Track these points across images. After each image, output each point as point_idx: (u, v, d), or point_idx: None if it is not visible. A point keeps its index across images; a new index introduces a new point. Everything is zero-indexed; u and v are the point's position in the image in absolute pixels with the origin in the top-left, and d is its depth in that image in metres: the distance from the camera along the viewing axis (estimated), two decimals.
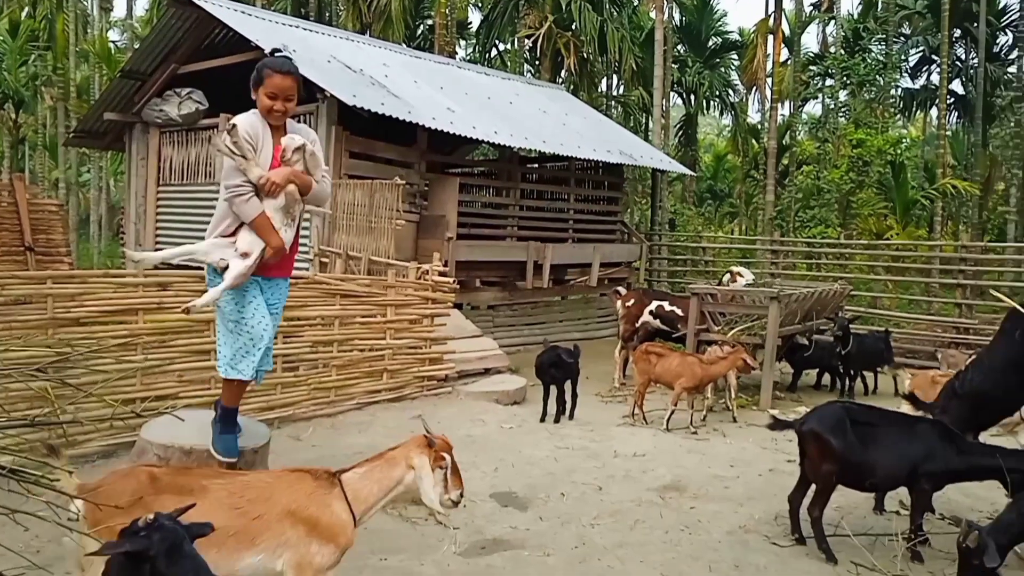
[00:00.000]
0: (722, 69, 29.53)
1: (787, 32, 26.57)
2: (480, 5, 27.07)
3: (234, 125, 3.89)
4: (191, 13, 12.38)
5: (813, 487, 4.71)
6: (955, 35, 24.72)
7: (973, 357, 6.79)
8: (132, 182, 14.34)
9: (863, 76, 20.09)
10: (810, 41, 33.25)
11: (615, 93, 28.09)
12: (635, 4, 26.64)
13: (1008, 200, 22.53)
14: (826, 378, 10.67)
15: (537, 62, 23.89)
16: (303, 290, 7.18)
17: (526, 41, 22.66)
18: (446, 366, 8.73)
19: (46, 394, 4.38)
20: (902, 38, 26.78)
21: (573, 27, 21.64)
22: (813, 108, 31.28)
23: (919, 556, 4.50)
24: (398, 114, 10.68)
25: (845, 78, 20.80)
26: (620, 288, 12.26)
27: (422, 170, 12.43)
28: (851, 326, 10.00)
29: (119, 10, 34.40)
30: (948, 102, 23.48)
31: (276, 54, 4.06)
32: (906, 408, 5.57)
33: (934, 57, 26.18)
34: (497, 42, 26.31)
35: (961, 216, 24.69)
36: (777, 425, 5.02)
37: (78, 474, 2.91)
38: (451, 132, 11.46)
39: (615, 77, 27.36)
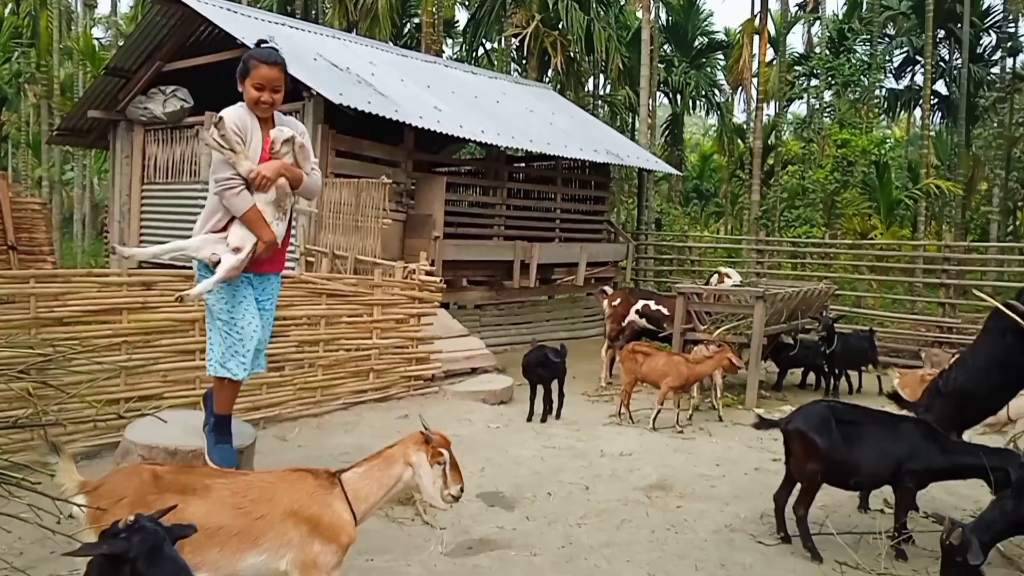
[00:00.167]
0: (708, 69, 29.61)
1: (773, 32, 26.66)
2: (467, 4, 27.03)
3: (221, 118, 3.84)
4: (176, 10, 12.31)
5: (798, 486, 4.73)
6: (939, 36, 24.90)
7: (957, 356, 6.85)
8: (116, 180, 14.23)
9: (848, 76, 20.22)
10: (795, 41, 33.53)
11: (602, 92, 28.13)
12: (621, 4, 26.67)
13: (991, 200, 22.72)
14: (811, 377, 10.72)
15: (524, 61, 23.89)
16: (289, 289, 7.15)
17: (513, 40, 22.66)
18: (433, 366, 8.72)
19: (28, 396, 4.34)
20: (886, 39, 26.97)
21: (560, 26, 21.65)
22: (798, 108, 31.45)
23: (903, 554, 4.53)
24: (385, 112, 10.66)
25: (830, 78, 20.92)
26: (607, 287, 12.29)
27: (409, 169, 12.40)
28: (835, 325, 10.06)
29: (103, 7, 34.20)
30: (932, 102, 23.65)
31: (262, 45, 4.03)
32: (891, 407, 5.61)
33: (918, 58, 26.34)
34: (484, 41, 26.28)
35: (944, 216, 24.89)
36: (763, 424, 5.04)
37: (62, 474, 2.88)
38: (438, 131, 11.44)
39: (602, 76, 27.40)
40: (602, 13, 22.81)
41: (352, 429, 6.95)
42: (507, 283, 13.28)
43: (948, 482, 5.02)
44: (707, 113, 33.44)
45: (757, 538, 4.85)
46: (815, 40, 28.60)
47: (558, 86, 22.04)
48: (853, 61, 20.80)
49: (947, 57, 26.90)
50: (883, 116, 28.85)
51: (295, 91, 9.91)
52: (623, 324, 10.64)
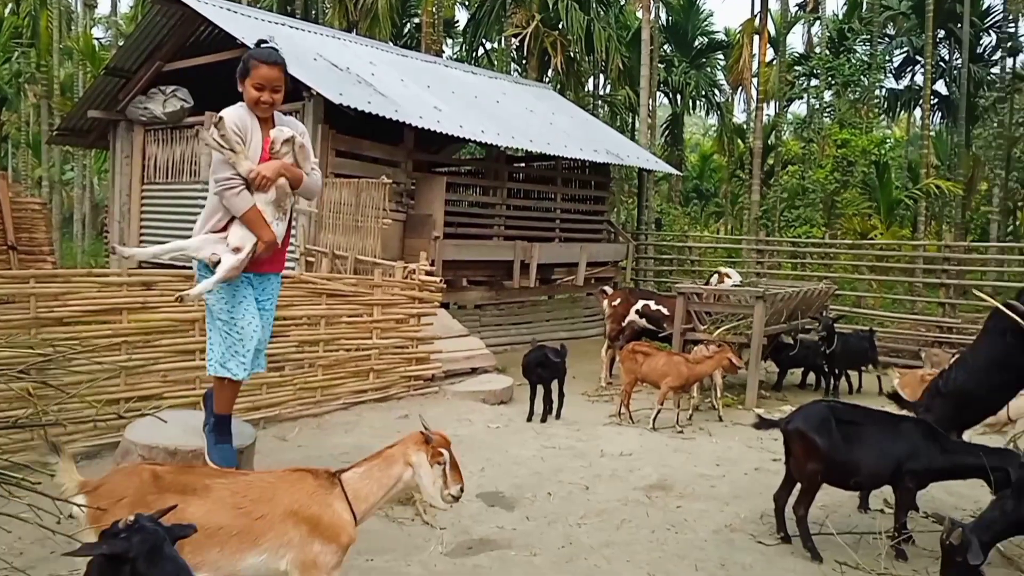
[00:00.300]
0: (708, 69, 29.61)
1: (772, 32, 26.66)
2: (467, 4, 27.03)
3: (221, 118, 3.84)
4: (176, 10, 12.30)
5: (798, 486, 4.73)
6: (939, 36, 24.90)
7: (957, 356, 6.85)
8: (116, 180, 14.23)
9: (848, 76, 20.22)
10: (795, 41, 33.54)
11: (602, 92, 28.13)
12: (621, 4, 26.68)
13: (991, 200, 22.72)
14: (811, 377, 10.72)
15: (524, 61, 23.89)
16: (289, 289, 7.15)
17: (513, 40, 22.66)
18: (433, 366, 8.72)
19: (28, 396, 4.34)
20: (886, 39, 26.97)
21: (560, 26, 21.65)
22: (798, 108, 31.46)
23: (903, 554, 4.53)
24: (385, 112, 10.66)
25: (830, 78, 20.92)
26: (606, 287, 12.29)
27: (409, 169, 12.40)
28: (835, 325, 10.06)
29: (103, 7, 34.20)
30: (932, 102, 23.65)
31: (262, 45, 4.03)
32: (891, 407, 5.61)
33: (918, 58, 26.34)
34: (484, 41, 26.28)
35: (944, 216, 24.89)
36: (763, 424, 5.04)
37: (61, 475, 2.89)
38: (438, 131, 11.44)
39: (602, 76, 27.40)
40: (602, 13, 22.81)
41: (352, 429, 6.95)
42: (507, 283, 13.28)
43: (948, 482, 5.02)
44: (707, 113, 33.46)
45: (757, 538, 4.85)
46: (815, 40, 28.62)
47: (558, 86, 22.05)
48: (853, 61, 20.81)
49: (947, 57, 26.90)
50: (883, 116, 28.86)
51: (295, 91, 9.91)
52: (623, 324, 10.63)
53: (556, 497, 5.49)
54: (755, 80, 26.38)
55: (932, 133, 24.94)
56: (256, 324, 4.05)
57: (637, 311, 10.60)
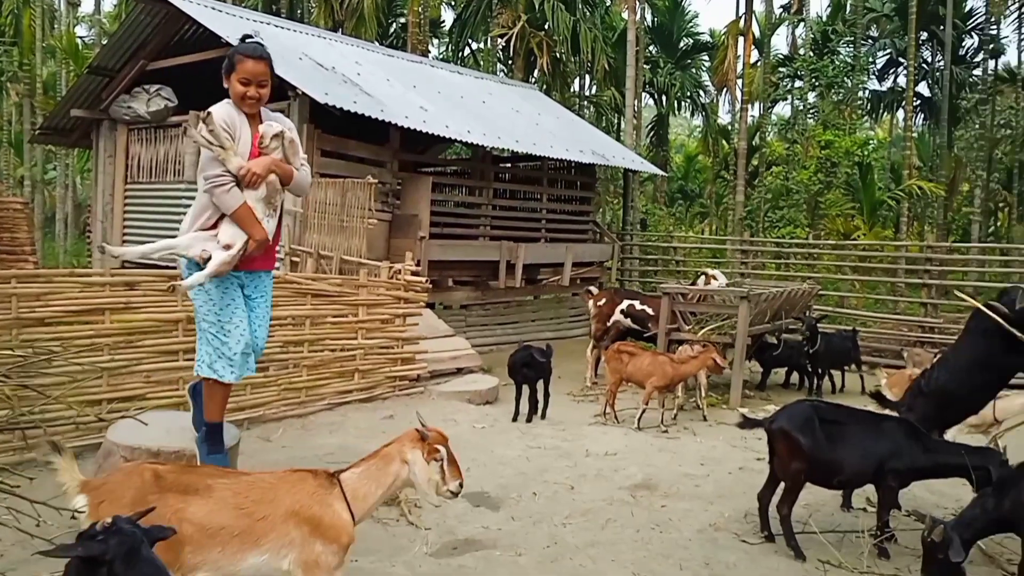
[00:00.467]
0: (693, 70, 29.73)
1: (757, 34, 26.78)
2: (453, 4, 27.01)
3: (209, 114, 3.80)
4: (160, 9, 12.22)
5: (782, 485, 4.76)
6: (922, 38, 25.12)
7: (939, 356, 6.91)
8: (99, 180, 14.12)
9: (831, 78, 20.35)
10: (780, 43, 33.70)
11: (587, 93, 28.18)
12: (607, 4, 26.74)
13: (972, 201, 22.91)
14: (795, 377, 10.78)
15: (510, 61, 23.90)
16: (274, 289, 7.07)
17: (499, 40, 22.65)
18: (418, 366, 8.70)
19: (6, 398, 4.31)
20: (870, 40, 27.17)
21: (546, 27, 21.67)
22: (782, 109, 31.60)
23: (886, 553, 4.56)
24: (371, 112, 10.63)
25: (814, 80, 21.05)
26: (592, 287, 12.31)
27: (394, 169, 12.38)
28: (819, 325, 10.13)
29: (87, 5, 34.04)
30: (914, 104, 23.84)
31: (247, 40, 4.00)
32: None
33: (901, 59, 26.60)
34: (470, 41, 26.28)
35: (926, 217, 25.09)
36: (747, 423, 5.06)
37: (43, 478, 2.87)
38: (424, 131, 11.43)
39: (587, 77, 27.44)
40: (588, 14, 22.85)
41: (337, 430, 6.93)
42: (493, 283, 13.28)
43: (930, 481, 5.06)
44: (692, 114, 33.58)
45: (741, 537, 4.87)
46: (799, 42, 28.77)
47: (544, 87, 22.07)
48: (837, 63, 20.94)
49: (930, 59, 27.14)
50: (866, 117, 29.06)
51: (280, 90, 9.87)
52: (608, 324, 10.66)
53: (541, 497, 5.49)
54: (740, 81, 26.52)
55: (915, 134, 25.16)
56: (244, 327, 4.02)
57: (622, 311, 10.63)
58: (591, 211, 16.84)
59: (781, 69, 25.66)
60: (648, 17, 28.04)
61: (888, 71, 29.17)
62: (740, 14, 25.35)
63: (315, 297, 7.59)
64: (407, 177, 12.61)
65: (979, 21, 25.96)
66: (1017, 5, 23.97)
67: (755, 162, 25.55)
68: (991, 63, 25.86)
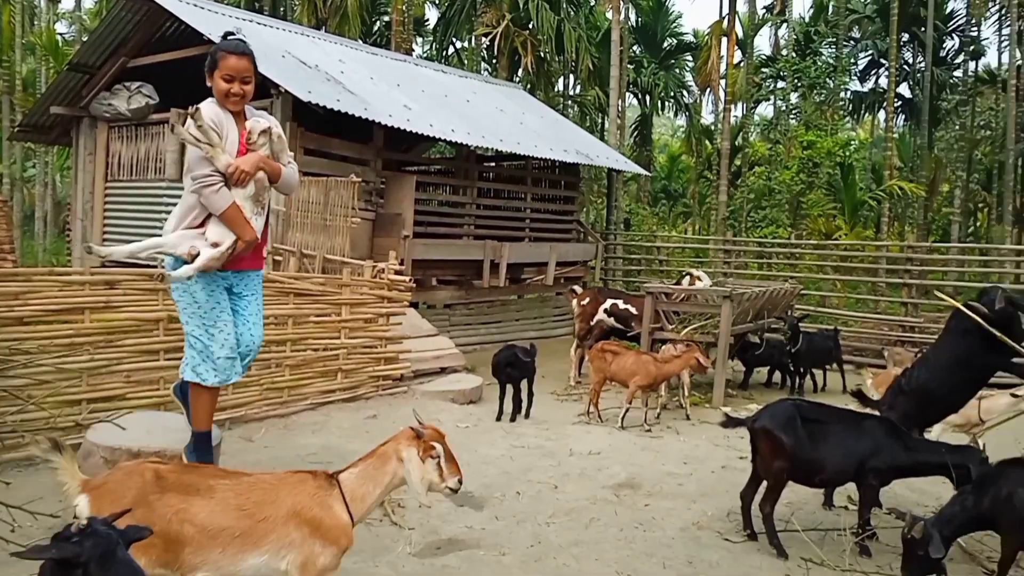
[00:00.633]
0: (677, 70, 29.84)
1: (740, 34, 26.94)
2: (437, 2, 26.97)
3: (198, 109, 3.75)
4: (141, 5, 12.11)
5: (764, 483, 4.78)
6: (903, 39, 25.31)
7: (920, 355, 6.96)
8: (79, 178, 13.99)
9: (814, 79, 20.49)
10: (763, 44, 33.89)
11: (572, 93, 28.22)
12: (592, 4, 26.77)
13: (952, 202, 23.15)
14: (777, 376, 10.85)
15: (494, 60, 23.88)
16: None
17: (483, 39, 22.63)
18: (402, 365, 8.68)
19: None
20: (852, 42, 27.34)
21: (530, 26, 21.67)
22: (765, 110, 31.76)
23: (867, 550, 4.59)
24: (354, 111, 10.59)
25: (796, 80, 21.19)
26: (576, 287, 12.32)
27: (378, 168, 12.34)
28: (801, 325, 10.19)
29: (67, 2, 33.63)
30: (895, 105, 24.06)
31: (229, 37, 3.96)
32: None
33: (882, 61, 26.79)
34: (454, 40, 26.24)
35: (907, 217, 25.30)
36: (729, 423, 5.08)
37: (20, 481, 2.84)
38: (408, 129, 11.40)
39: (572, 77, 27.48)
40: (572, 13, 22.87)
41: (320, 430, 6.89)
42: (477, 282, 13.27)
43: (911, 479, 5.09)
44: (676, 114, 33.71)
45: (724, 535, 4.89)
46: (782, 43, 28.92)
47: (528, 86, 22.07)
48: (819, 64, 21.09)
49: (911, 60, 27.37)
50: (848, 118, 29.28)
51: (263, 88, 9.81)
52: (592, 323, 10.67)
53: (525, 496, 5.49)
54: (723, 82, 26.64)
55: (895, 135, 25.38)
56: (230, 331, 3.97)
57: (606, 310, 10.64)
58: (575, 210, 16.86)
59: (764, 70, 25.82)
60: (632, 17, 28.14)
61: (870, 72, 29.39)
62: (723, 15, 25.50)
63: (298, 296, 7.55)
64: (391, 176, 12.57)
65: (960, 23, 26.20)
66: (997, 7, 24.19)
67: (738, 162, 25.69)
68: (971, 65, 26.11)
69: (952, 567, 4.17)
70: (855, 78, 28.26)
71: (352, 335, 8.07)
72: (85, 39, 18.50)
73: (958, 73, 26.17)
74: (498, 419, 7.84)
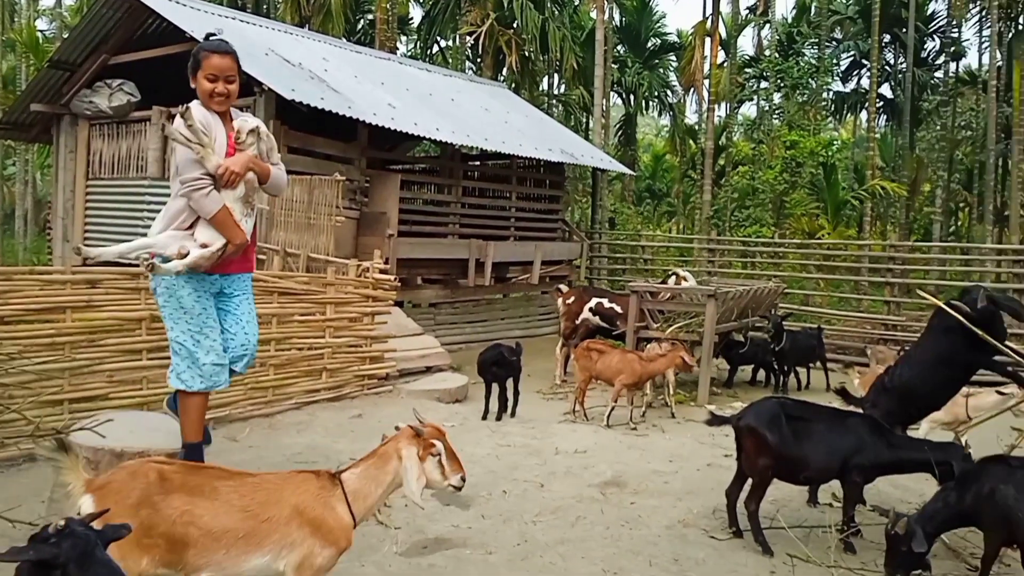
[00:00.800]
0: (661, 70, 29.93)
1: (724, 35, 27.07)
2: (421, 1, 26.91)
3: (188, 108, 3.69)
4: (123, 2, 12.00)
5: (749, 481, 4.80)
6: (885, 40, 25.52)
7: (903, 353, 7.01)
8: (60, 176, 13.85)
9: (796, 79, 20.60)
10: (746, 44, 34.01)
11: (556, 92, 28.26)
12: (576, 4, 26.81)
13: (934, 201, 23.32)
14: (761, 374, 10.89)
15: (479, 59, 23.86)
16: None
17: (468, 38, 22.60)
18: (387, 365, 8.65)
19: None
20: (834, 42, 27.55)
21: (515, 25, 21.66)
22: (748, 110, 31.95)
23: (851, 547, 4.62)
24: (338, 109, 10.55)
25: (779, 81, 21.29)
26: (561, 286, 12.33)
27: (362, 166, 12.29)
28: (784, 323, 10.24)
29: None
30: (877, 105, 24.24)
31: (211, 37, 3.93)
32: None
33: (864, 61, 26.98)
34: (439, 38, 26.21)
35: (889, 216, 25.49)
36: (714, 421, 5.10)
37: (2, 480, 2.81)
38: (392, 128, 11.36)
39: (556, 76, 27.52)
40: (557, 12, 22.89)
41: (305, 429, 6.86)
42: (462, 281, 13.26)
43: (894, 476, 5.13)
44: (660, 114, 33.80)
45: (709, 533, 4.91)
46: (765, 43, 29.11)
47: (513, 85, 22.07)
48: (802, 64, 21.21)
49: (892, 61, 27.59)
50: (830, 118, 29.48)
51: (246, 86, 9.75)
52: (577, 322, 10.68)
53: (511, 495, 5.48)
54: (707, 81, 26.73)
55: (877, 135, 25.56)
56: (216, 337, 3.92)
57: (591, 309, 10.66)
58: (560, 209, 16.87)
59: (747, 70, 25.95)
60: (616, 17, 28.20)
61: (852, 73, 29.62)
62: (707, 15, 25.60)
63: (282, 295, 7.51)
64: (375, 174, 12.53)
65: (941, 24, 26.43)
66: (978, 9, 24.42)
67: (722, 162, 25.79)
68: (952, 65, 26.37)
69: (936, 564, 4.21)
70: (837, 78, 28.50)
71: (337, 334, 8.04)
72: (66, 36, 18.34)
73: (939, 74, 26.42)
74: (484, 418, 7.83)
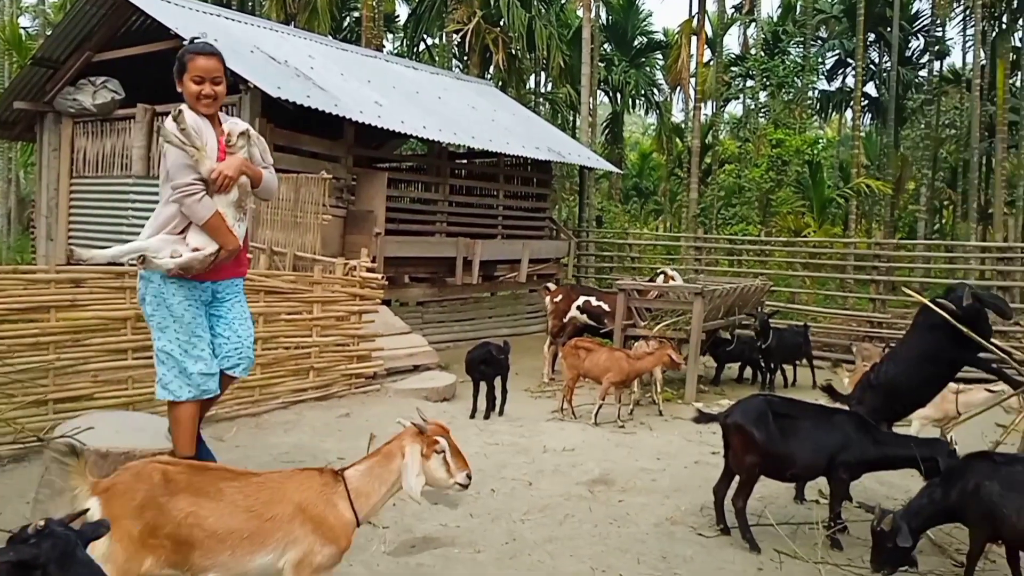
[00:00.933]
0: (647, 68, 29.98)
1: (710, 33, 27.13)
2: None
3: (180, 111, 3.65)
4: None
5: (737, 478, 4.82)
6: (869, 39, 25.67)
7: (888, 350, 7.06)
8: (43, 174, 13.74)
9: (782, 78, 20.70)
10: (732, 43, 34.10)
11: (543, 90, 28.26)
12: (563, 2, 26.82)
13: (918, 199, 23.50)
14: (748, 371, 10.94)
15: (465, 57, 23.83)
16: None
17: (454, 36, 22.57)
18: (374, 363, 8.63)
19: None
20: (819, 41, 27.69)
21: (502, 23, 21.64)
22: (734, 108, 32.08)
23: (838, 543, 4.64)
24: (324, 107, 10.51)
25: (765, 79, 21.39)
26: (549, 284, 12.34)
27: (349, 164, 12.25)
28: (771, 321, 10.28)
29: None
30: (862, 104, 24.36)
31: (195, 41, 3.89)
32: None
33: (849, 60, 27.15)
34: (425, 36, 26.14)
35: (874, 214, 25.64)
36: (702, 418, 5.11)
37: None
38: (379, 126, 11.33)
39: (543, 74, 27.52)
40: (543, 11, 22.88)
41: (292, 428, 6.84)
42: (450, 280, 13.23)
43: (880, 472, 5.16)
44: (646, 112, 33.86)
45: (697, 530, 4.92)
46: (751, 42, 29.21)
47: (500, 83, 22.05)
48: (787, 63, 21.31)
49: (877, 60, 27.74)
50: (816, 117, 29.63)
51: (232, 84, 9.69)
52: (565, 320, 10.69)
53: (499, 493, 5.48)
54: (693, 80, 26.80)
55: (862, 134, 25.71)
56: (204, 346, 3.87)
57: (579, 307, 10.67)
58: (547, 208, 16.87)
59: (733, 68, 26.03)
60: (603, 15, 28.22)
61: (837, 71, 29.77)
62: (693, 13, 25.65)
63: (268, 294, 7.47)
64: (362, 173, 12.49)
65: (925, 23, 26.60)
66: (962, 8, 24.59)
67: (708, 160, 25.87)
68: (936, 64, 26.54)
69: (922, 560, 4.23)
70: (822, 77, 28.64)
71: (324, 333, 8.01)
72: (49, 33, 18.19)
73: (923, 73, 26.59)
74: (472, 416, 7.83)
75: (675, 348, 8.24)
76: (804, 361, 10.81)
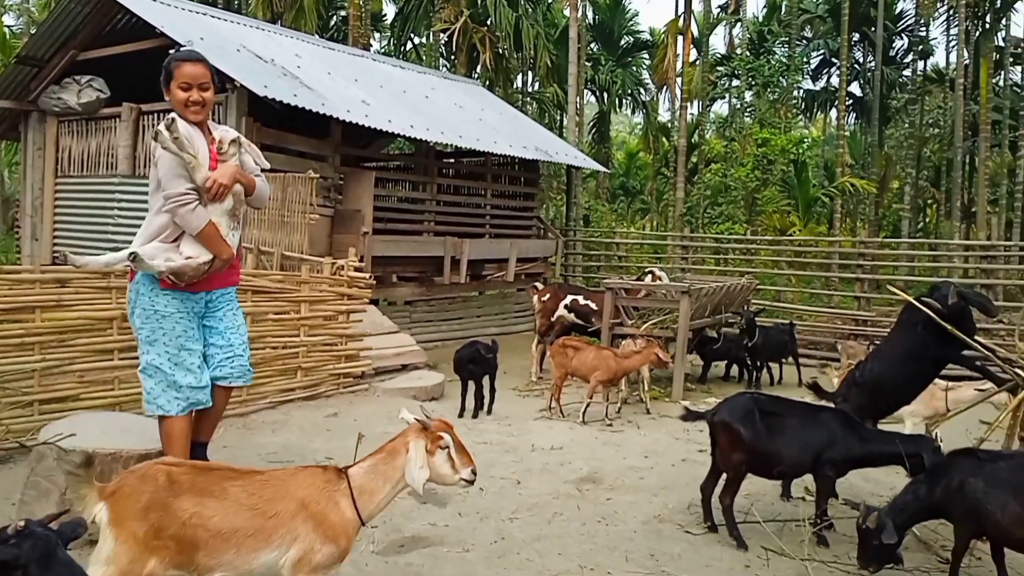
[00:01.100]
0: (634, 68, 30.06)
1: (696, 33, 27.22)
2: None
3: (173, 119, 3.61)
4: None
5: (724, 476, 4.84)
6: (854, 39, 25.80)
7: (873, 348, 7.11)
8: (28, 173, 13.63)
9: (767, 77, 20.79)
10: (717, 42, 34.24)
11: (530, 89, 28.27)
12: (549, 1, 26.85)
13: (902, 198, 23.66)
14: (734, 369, 10.99)
15: (453, 57, 23.82)
16: None
17: (441, 35, 22.55)
18: (362, 363, 8.62)
19: None
20: (804, 41, 27.80)
21: (489, 22, 21.64)
22: (720, 108, 32.19)
23: (824, 540, 4.67)
24: (311, 106, 10.48)
25: (751, 79, 21.48)
26: (537, 283, 12.35)
27: (336, 163, 12.22)
28: (756, 319, 10.34)
29: None
30: (847, 103, 24.48)
31: (180, 49, 3.87)
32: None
33: (834, 60, 27.28)
34: (412, 35, 26.11)
35: (859, 213, 25.80)
36: (689, 416, 5.12)
37: None
38: (366, 125, 11.30)
39: (530, 73, 27.53)
40: (530, 10, 22.89)
41: (280, 428, 6.82)
42: (437, 279, 13.23)
43: (866, 469, 5.20)
44: (633, 111, 33.97)
45: (685, 528, 4.94)
46: (736, 41, 29.29)
47: (487, 82, 22.05)
48: (772, 62, 21.40)
49: (862, 60, 27.89)
50: (801, 116, 29.77)
51: (218, 83, 9.66)
52: (553, 319, 10.71)
53: (488, 492, 5.49)
54: (679, 79, 26.90)
55: (847, 133, 25.85)
56: (194, 359, 3.85)
57: (566, 306, 10.69)
58: (535, 207, 16.88)
59: (719, 68, 26.12)
60: (590, 15, 28.26)
61: (822, 71, 29.92)
62: (679, 13, 25.74)
63: (255, 294, 7.45)
64: (349, 172, 12.46)
65: (909, 23, 26.77)
66: (945, 8, 24.77)
67: (694, 159, 25.95)
68: (920, 64, 26.69)
69: (908, 556, 4.27)
70: (807, 77, 28.77)
71: (312, 333, 8.00)
72: (33, 31, 18.05)
73: (907, 72, 26.75)
74: (460, 415, 7.82)
75: (662, 346, 8.27)
76: (790, 359, 10.87)
